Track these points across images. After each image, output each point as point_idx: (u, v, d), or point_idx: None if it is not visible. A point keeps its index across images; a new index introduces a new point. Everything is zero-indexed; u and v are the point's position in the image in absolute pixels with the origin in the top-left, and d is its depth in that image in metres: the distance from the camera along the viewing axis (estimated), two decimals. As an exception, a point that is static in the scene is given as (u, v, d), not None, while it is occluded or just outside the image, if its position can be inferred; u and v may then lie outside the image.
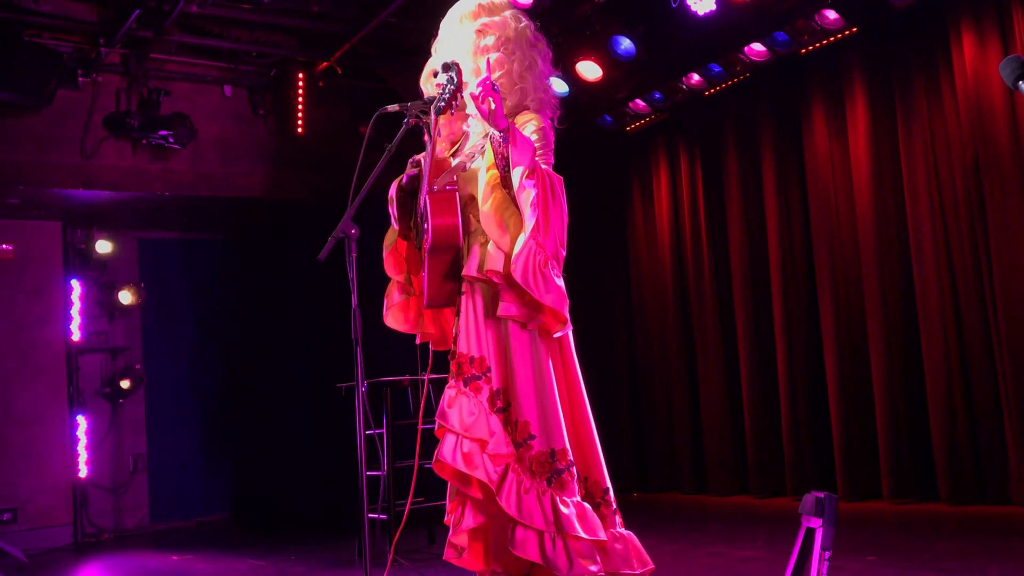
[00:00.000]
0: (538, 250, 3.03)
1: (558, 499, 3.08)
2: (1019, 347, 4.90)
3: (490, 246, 3.12)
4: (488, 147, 3.23)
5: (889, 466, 5.54)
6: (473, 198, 3.25)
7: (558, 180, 3.18)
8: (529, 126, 3.26)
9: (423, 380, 3.59)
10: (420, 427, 3.52)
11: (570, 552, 3.06)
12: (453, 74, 3.01)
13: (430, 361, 3.47)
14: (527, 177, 3.00)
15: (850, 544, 4.12)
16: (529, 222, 3.01)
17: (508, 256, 3.06)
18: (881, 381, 5.61)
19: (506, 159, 3.06)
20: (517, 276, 3.00)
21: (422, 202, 3.30)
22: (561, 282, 3.13)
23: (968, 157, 5.22)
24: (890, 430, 5.55)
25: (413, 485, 3.34)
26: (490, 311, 3.19)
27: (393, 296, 3.49)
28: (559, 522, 3.05)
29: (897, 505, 5.44)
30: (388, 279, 3.56)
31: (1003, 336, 4.97)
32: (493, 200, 3.12)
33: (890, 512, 5.29)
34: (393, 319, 3.52)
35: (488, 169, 3.19)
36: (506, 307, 3.13)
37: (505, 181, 3.12)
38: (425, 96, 3.49)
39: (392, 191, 3.46)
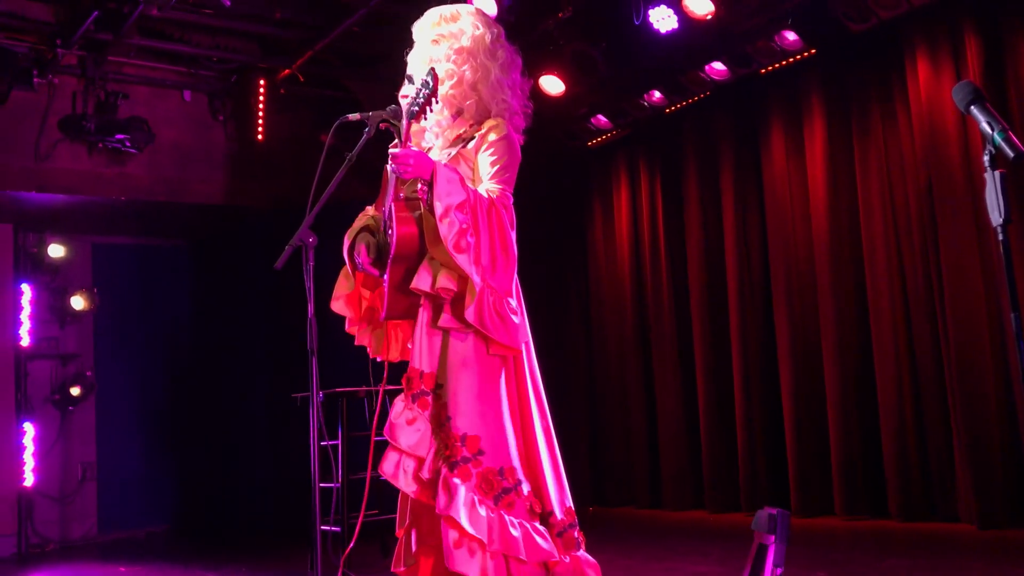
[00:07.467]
0: (489, 291, 3.04)
1: (507, 519, 2.98)
2: (968, 366, 4.98)
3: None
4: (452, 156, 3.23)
5: (841, 483, 5.60)
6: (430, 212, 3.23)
7: (506, 209, 3.12)
8: (491, 135, 3.23)
9: (377, 391, 3.56)
10: (373, 439, 3.49)
11: (511, 573, 2.98)
12: (429, 79, 3.01)
13: (385, 374, 3.43)
14: (455, 242, 2.97)
15: (802, 560, 4.16)
16: (475, 277, 2.99)
17: (461, 276, 3.06)
18: (835, 399, 5.67)
19: (431, 206, 3.03)
20: (472, 320, 3.01)
21: (387, 209, 3.28)
22: (517, 317, 3.11)
23: (922, 180, 5.31)
24: (843, 447, 5.61)
25: (366, 498, 3.30)
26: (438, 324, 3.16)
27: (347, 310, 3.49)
28: (506, 544, 2.95)
29: (849, 521, 5.50)
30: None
31: (952, 356, 5.05)
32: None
33: (842, 528, 5.35)
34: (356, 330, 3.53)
35: None
36: (447, 319, 3.11)
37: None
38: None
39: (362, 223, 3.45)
